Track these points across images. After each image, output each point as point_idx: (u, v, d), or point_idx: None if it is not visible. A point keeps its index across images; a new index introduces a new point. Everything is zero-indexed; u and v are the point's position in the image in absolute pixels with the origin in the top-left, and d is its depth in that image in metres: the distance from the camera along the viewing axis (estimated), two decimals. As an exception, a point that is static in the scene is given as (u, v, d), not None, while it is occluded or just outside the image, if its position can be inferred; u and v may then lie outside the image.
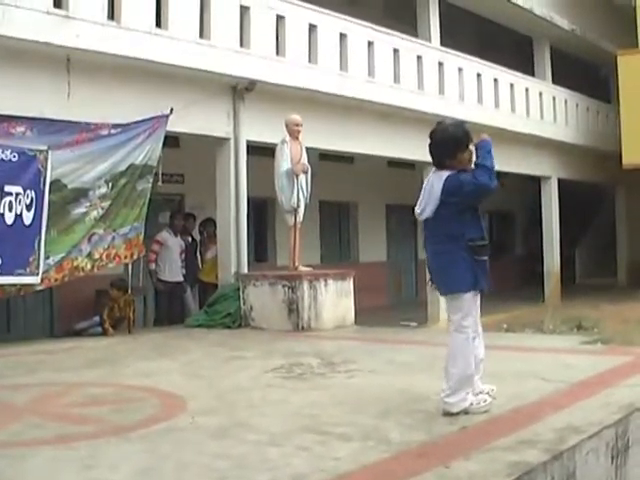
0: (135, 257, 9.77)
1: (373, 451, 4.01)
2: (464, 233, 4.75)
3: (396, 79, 13.31)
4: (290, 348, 8.08)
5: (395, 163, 16.02)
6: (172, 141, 12.28)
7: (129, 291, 9.68)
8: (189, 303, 11.80)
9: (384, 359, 7.21)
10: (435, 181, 4.80)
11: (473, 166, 4.77)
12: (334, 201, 16.72)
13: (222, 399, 5.45)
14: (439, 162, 4.84)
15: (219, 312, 10.37)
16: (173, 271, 11.28)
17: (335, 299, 10.01)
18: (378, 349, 8.09)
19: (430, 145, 4.88)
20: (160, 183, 9.91)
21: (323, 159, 15.15)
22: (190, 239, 12.05)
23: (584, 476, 4.19)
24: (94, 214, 9.21)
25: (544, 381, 5.96)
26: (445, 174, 4.76)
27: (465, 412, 4.75)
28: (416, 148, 13.83)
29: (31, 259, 8.57)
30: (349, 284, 10.29)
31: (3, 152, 8.30)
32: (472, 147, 4.81)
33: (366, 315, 12.17)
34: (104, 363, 7.21)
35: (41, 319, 11.65)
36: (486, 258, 4.84)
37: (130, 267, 9.76)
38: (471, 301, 4.81)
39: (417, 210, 4.88)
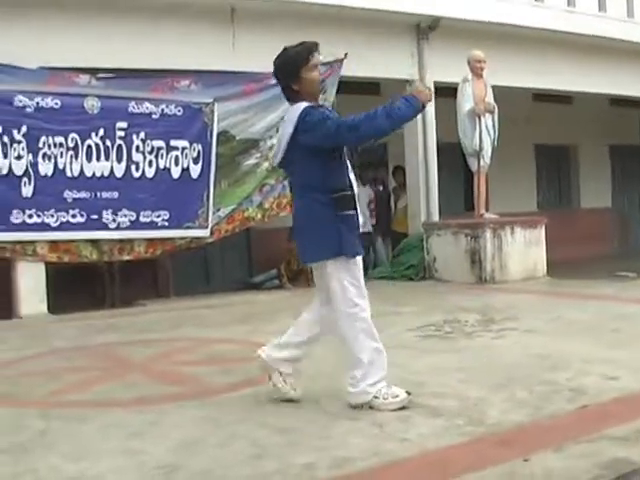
0: (309, 206, 9.50)
1: (452, 433, 3.38)
2: (325, 182, 3.75)
3: (601, 7, 11.80)
4: (457, 303, 7.47)
5: (618, 101, 14.45)
6: (373, 88, 11.86)
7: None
8: (380, 254, 11.37)
9: (552, 317, 6.40)
10: (289, 116, 3.85)
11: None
12: (551, 144, 15.47)
13: (330, 363, 5.01)
14: (288, 90, 3.87)
15: (402, 263, 9.93)
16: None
17: (523, 249, 9.15)
18: (554, 304, 7.25)
19: (275, 78, 3.95)
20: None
21: (537, 100, 14.07)
22: (382, 188, 11.59)
23: None
24: (265, 165, 9.02)
25: None
26: (301, 106, 3.79)
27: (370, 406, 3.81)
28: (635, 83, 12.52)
29: (200, 212, 8.60)
30: (540, 232, 9.36)
31: (167, 106, 8.35)
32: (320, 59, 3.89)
33: (581, 264, 11.20)
34: (254, 319, 7.04)
35: (239, 272, 11.82)
36: (352, 213, 3.81)
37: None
38: (343, 269, 3.79)
39: (272, 154, 3.85)
